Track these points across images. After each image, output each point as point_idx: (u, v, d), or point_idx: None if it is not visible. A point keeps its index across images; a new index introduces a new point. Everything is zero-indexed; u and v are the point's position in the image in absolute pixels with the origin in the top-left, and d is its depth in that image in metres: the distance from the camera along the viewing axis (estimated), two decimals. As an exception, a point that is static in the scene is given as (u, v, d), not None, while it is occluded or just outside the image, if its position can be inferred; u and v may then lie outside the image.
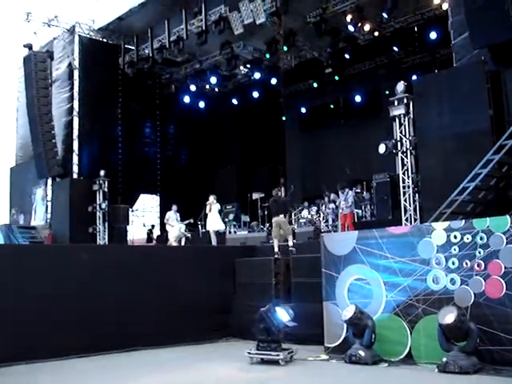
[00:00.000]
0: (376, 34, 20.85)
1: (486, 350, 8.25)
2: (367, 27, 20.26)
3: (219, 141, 27.19)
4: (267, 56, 22.42)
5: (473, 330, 8.14)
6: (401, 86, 14.01)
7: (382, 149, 14.14)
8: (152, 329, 11.37)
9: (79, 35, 22.21)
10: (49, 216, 22.12)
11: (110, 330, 10.79)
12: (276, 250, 13.29)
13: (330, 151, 24.12)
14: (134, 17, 21.23)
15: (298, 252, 12.97)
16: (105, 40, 23.05)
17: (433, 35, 20.33)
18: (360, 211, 18.54)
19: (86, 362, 10.08)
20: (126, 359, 10.40)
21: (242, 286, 13.16)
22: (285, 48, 21.32)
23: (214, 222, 16.82)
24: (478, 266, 8.53)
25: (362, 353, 9.21)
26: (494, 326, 8.23)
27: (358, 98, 24.04)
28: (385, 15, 19.21)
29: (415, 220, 13.57)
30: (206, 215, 17.68)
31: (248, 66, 24.50)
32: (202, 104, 27.19)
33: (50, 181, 22.30)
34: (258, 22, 19.02)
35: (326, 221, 18.48)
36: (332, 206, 17.85)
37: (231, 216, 20.88)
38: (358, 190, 19.23)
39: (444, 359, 8.23)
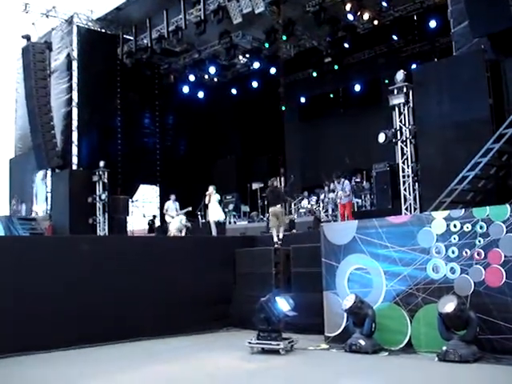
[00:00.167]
0: (375, 22, 20.80)
1: (486, 339, 8.26)
2: (366, 16, 20.21)
3: (218, 131, 27.18)
4: (266, 45, 22.39)
5: (473, 319, 8.15)
6: (400, 75, 13.97)
7: (381, 138, 14.13)
8: (152, 319, 11.38)
9: (77, 26, 22.14)
10: (49, 207, 22.15)
11: (110, 321, 10.79)
12: (275, 239, 13.32)
13: (329, 141, 24.09)
14: (133, 7, 21.18)
15: (298, 242, 12.96)
16: (103, 30, 22.96)
17: (432, 24, 20.30)
18: (360, 201, 18.58)
19: (86, 352, 10.08)
20: (128, 350, 10.40)
21: (242, 276, 13.17)
22: (284, 37, 21.29)
23: (214, 212, 16.85)
24: (478, 254, 8.53)
25: (362, 342, 9.23)
26: (493, 315, 8.23)
27: (357, 88, 24.03)
28: (384, 4, 19.22)
29: (415, 209, 13.58)
30: (205, 205, 17.69)
31: (247, 55, 24.46)
32: (201, 94, 27.18)
33: (49, 172, 22.33)
34: (256, 12, 18.97)
35: (326, 210, 18.51)
36: (332, 195, 17.87)
37: (231, 206, 20.93)
38: (358, 180, 19.26)
39: (444, 348, 8.24)
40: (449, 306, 8.21)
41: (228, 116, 27.56)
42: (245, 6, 18.98)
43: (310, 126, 25.68)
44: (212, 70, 25.30)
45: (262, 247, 13.45)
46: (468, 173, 10.67)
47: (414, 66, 17.97)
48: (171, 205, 17.97)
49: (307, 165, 24.81)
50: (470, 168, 10.68)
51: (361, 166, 19.99)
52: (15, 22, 23.44)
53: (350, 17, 19.79)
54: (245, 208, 21.63)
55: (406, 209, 13.76)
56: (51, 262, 10.54)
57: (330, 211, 18.19)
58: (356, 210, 17.64)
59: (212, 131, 26.93)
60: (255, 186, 21.57)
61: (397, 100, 14.00)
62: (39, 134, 21.20)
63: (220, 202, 17.64)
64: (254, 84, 26.27)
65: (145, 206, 25.28)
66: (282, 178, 21.81)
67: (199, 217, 20.18)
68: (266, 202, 19.42)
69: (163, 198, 23.23)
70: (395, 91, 14.06)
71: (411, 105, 13.81)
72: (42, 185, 22.83)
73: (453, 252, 8.82)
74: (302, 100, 26.33)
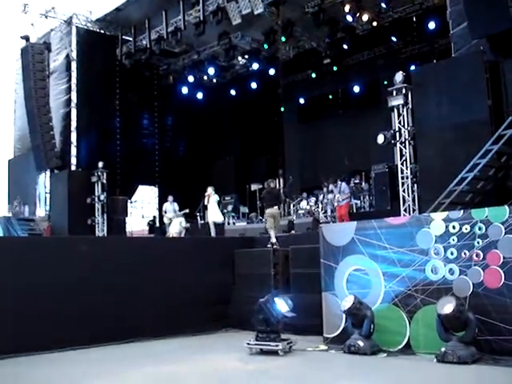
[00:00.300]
0: (374, 24, 20.79)
1: (485, 340, 8.26)
2: (365, 17, 20.21)
3: (217, 132, 27.18)
4: (265, 46, 22.38)
5: (471, 320, 8.15)
6: (399, 77, 14.00)
7: (380, 139, 14.14)
8: (152, 319, 11.37)
9: (76, 26, 22.13)
10: (48, 208, 22.13)
11: (110, 321, 10.79)
12: (274, 240, 13.31)
13: (328, 142, 24.09)
14: (132, 7, 21.17)
15: (297, 243, 12.96)
16: (102, 31, 22.95)
17: (431, 25, 20.27)
18: (358, 202, 18.58)
19: (86, 353, 10.07)
20: (127, 351, 10.39)
21: (241, 276, 13.16)
22: (283, 38, 21.29)
23: (213, 213, 16.83)
24: (477, 256, 8.54)
25: (360, 343, 9.23)
26: (492, 316, 8.23)
27: (356, 89, 24.01)
28: (383, 5, 19.19)
29: (414, 210, 13.59)
30: (204, 206, 17.68)
31: (246, 56, 24.43)
32: (200, 95, 27.17)
33: (48, 173, 22.32)
34: (256, 13, 18.96)
35: (325, 211, 18.50)
36: (330, 196, 17.85)
37: (230, 207, 20.92)
38: (357, 181, 19.27)
39: (443, 349, 8.24)
40: (447, 307, 8.21)
41: (227, 117, 27.54)
42: (244, 7, 18.97)
43: (309, 127, 25.68)
44: (211, 70, 25.29)
45: (261, 248, 13.45)
46: (467, 174, 10.68)
47: (413, 68, 17.98)
48: (169, 206, 17.97)
49: (306, 166, 24.81)
50: (468, 169, 10.68)
51: (360, 167, 19.99)
52: (14, 22, 23.47)
53: (349, 18, 19.77)
54: (244, 209, 21.64)
55: (405, 210, 13.77)
56: (50, 262, 10.53)
57: (328, 212, 18.19)
58: (355, 211, 17.65)
59: (211, 132, 26.94)
60: (254, 187, 21.56)
61: (396, 101, 14.03)
62: (38, 134, 21.20)
63: (219, 203, 17.64)
64: (253, 85, 26.22)
65: (144, 206, 25.27)
66: (281, 179, 21.82)
67: (198, 218, 20.17)
68: (262, 204, 19.54)
69: (162, 199, 23.22)
70: (394, 92, 14.08)
71: (410, 106, 13.84)
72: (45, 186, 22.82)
73: (451, 253, 8.83)
74: (301, 101, 26.30)
